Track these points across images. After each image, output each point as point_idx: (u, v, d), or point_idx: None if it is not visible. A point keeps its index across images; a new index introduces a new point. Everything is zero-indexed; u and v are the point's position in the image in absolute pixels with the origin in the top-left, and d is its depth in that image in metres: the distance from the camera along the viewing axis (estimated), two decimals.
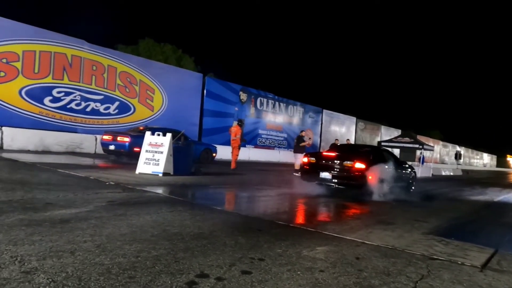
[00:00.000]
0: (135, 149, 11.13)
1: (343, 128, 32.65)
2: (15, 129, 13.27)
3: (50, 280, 2.44)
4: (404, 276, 3.19)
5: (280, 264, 3.20)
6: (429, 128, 63.82)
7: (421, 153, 26.84)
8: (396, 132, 37.17)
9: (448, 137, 60.69)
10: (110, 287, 2.42)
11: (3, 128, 12.91)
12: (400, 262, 3.59)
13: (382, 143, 27.20)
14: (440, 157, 48.98)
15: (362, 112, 39.55)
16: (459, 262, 3.78)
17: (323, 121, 30.24)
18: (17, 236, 3.30)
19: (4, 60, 13.29)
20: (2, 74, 13.26)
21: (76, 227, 3.81)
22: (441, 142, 51.58)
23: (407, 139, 26.21)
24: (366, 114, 39.90)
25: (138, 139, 11.09)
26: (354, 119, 34.31)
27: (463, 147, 58.36)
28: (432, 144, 36.30)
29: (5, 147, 12.77)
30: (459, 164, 43.26)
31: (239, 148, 13.20)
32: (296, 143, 16.78)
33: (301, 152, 13.66)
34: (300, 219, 5.90)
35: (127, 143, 11.98)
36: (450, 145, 54.53)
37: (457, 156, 41.86)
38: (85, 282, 2.46)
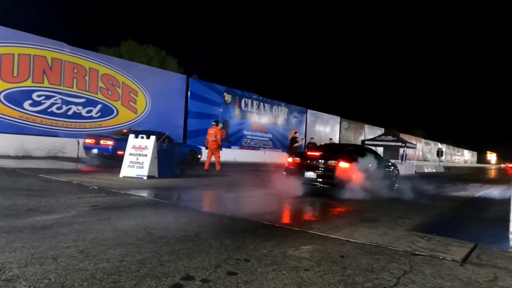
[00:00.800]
0: (119, 152, 11.01)
1: (327, 128, 32.93)
2: None
3: (32, 287, 2.40)
4: (387, 272, 3.25)
5: (266, 264, 3.22)
6: (412, 126, 64.99)
7: (404, 151, 27.28)
8: (379, 131, 37.68)
9: (431, 135, 61.91)
10: None
11: None
12: (384, 259, 3.65)
13: (366, 142, 27.53)
14: (422, 154, 49.85)
15: (346, 112, 40.02)
16: (441, 257, 3.87)
17: (308, 121, 30.44)
18: None
19: None
20: None
21: (59, 232, 3.75)
22: (423, 140, 52.52)
23: (390, 137, 26.60)
24: (350, 113, 40.37)
25: (121, 142, 10.97)
26: (338, 118, 34.65)
27: (444, 144, 59.52)
28: (414, 142, 36.92)
29: None
30: (441, 161, 44.12)
31: (220, 149, 12.99)
32: (289, 144, 17.00)
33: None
34: (285, 219, 5.94)
35: (110, 147, 11.84)
36: (432, 143, 55.57)
37: (439, 153, 42.65)
38: None
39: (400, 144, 26.17)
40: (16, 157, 12.60)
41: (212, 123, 13.33)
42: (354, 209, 7.25)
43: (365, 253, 3.82)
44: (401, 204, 8.35)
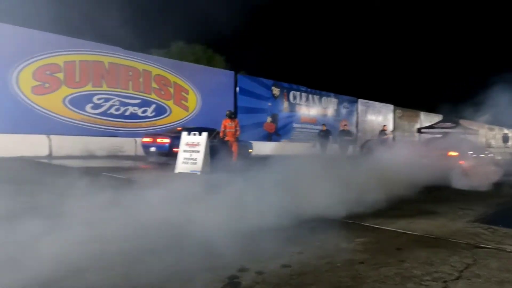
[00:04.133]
0: (174, 149, 11.44)
1: (379, 117, 31.80)
2: (62, 136, 14.01)
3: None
4: (448, 265, 3.12)
5: (319, 257, 3.22)
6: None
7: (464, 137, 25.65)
8: (437, 118, 35.74)
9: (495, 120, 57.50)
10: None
11: (51, 136, 13.67)
12: (444, 252, 3.50)
13: (422, 130, 26.26)
14: (486, 140, 46.61)
15: (400, 99, 38.30)
16: (508, 250, 3.63)
17: (359, 111, 29.61)
18: None
19: (48, 72, 14.04)
20: (47, 85, 14.02)
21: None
22: (486, 126, 49.03)
23: (448, 124, 25.17)
24: (403, 101, 38.60)
25: (176, 139, 11.38)
26: (391, 106, 33.31)
27: (511, 129, 55.18)
28: (476, 128, 34.61)
29: (53, 154, 13.53)
30: (507, 148, 40.97)
31: (237, 142, 12.61)
32: (378, 136, 16.82)
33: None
34: (337, 211, 5.85)
35: (167, 144, 12.32)
36: (496, 128, 51.75)
37: (506, 139, 39.56)
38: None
39: (460, 131, 24.67)
40: (81, 157, 13.55)
41: (228, 114, 12.85)
42: (409, 199, 6.97)
43: (423, 246, 3.69)
44: (461, 194, 7.89)
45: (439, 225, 4.66)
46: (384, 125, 20.40)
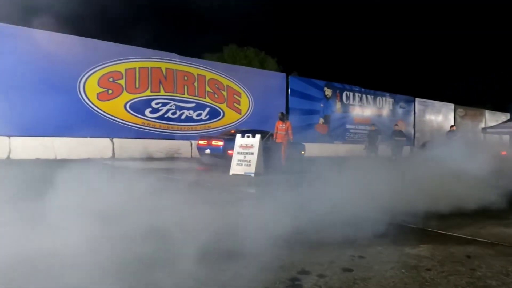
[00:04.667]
0: (229, 151, 11.65)
1: (439, 117, 30.16)
2: (123, 139, 14.85)
3: None
4: None
5: (382, 262, 3.11)
6: None
7: None
8: (504, 117, 33.21)
9: None
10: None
11: (114, 139, 14.54)
12: None
13: (487, 129, 24.53)
14: None
15: (462, 98, 36.07)
16: None
17: (416, 111, 28.29)
18: None
19: (111, 79, 14.95)
20: (110, 91, 14.93)
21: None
22: None
23: None
24: (466, 99, 36.33)
25: (230, 142, 11.59)
26: (452, 105, 31.46)
27: None
28: None
29: (116, 156, 14.36)
30: None
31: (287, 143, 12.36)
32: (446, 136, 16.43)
33: None
34: (398, 214, 5.63)
35: (221, 147, 12.59)
36: None
37: None
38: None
39: None
40: (141, 159, 14.24)
41: (280, 116, 12.67)
42: (476, 204, 6.52)
43: (497, 254, 3.43)
44: None
45: None
46: (452, 125, 19.33)
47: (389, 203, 6.32)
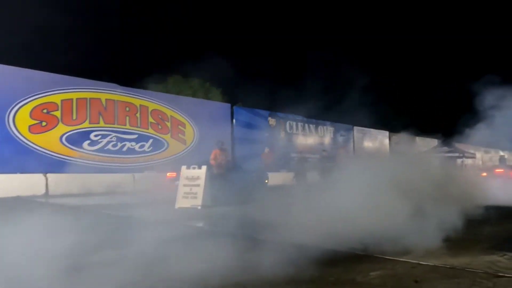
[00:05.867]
0: None
1: (376, 143, 31.98)
2: (59, 174, 13.84)
3: None
4: None
5: None
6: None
7: (462, 161, 25.74)
8: (432, 142, 35.92)
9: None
10: None
11: (48, 174, 13.50)
12: (464, 282, 3.36)
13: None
14: (482, 163, 46.70)
15: (394, 124, 38.50)
16: None
17: (355, 138, 29.77)
18: None
19: (45, 111, 14.05)
20: (44, 123, 14.00)
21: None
22: (482, 148, 49.27)
23: (445, 148, 25.27)
24: (398, 126, 38.86)
25: None
26: (386, 133, 33.56)
27: (506, 152, 55.47)
28: (472, 151, 34.78)
29: (50, 193, 13.30)
30: None
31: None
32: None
33: None
34: (346, 242, 5.68)
35: None
36: (492, 150, 51.99)
37: (501, 161, 39.71)
38: None
39: (457, 154, 24.73)
40: (79, 195, 13.31)
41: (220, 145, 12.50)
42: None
43: (441, 277, 3.54)
44: (470, 220, 7.73)
45: (453, 254, 4.52)
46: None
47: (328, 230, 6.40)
